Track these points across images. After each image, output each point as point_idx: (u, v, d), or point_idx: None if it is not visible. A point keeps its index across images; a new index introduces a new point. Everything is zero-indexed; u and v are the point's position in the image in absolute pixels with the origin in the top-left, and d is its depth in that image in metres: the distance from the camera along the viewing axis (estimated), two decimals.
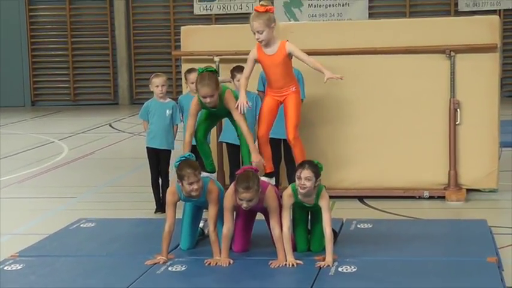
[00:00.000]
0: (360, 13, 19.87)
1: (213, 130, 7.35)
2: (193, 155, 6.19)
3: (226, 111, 6.61)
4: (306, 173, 5.90)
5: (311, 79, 8.08)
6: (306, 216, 6.25)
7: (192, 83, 7.96)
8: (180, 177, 5.94)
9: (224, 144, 8.24)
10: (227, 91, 6.55)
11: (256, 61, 6.82)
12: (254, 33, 6.65)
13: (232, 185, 6.01)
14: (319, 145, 8.38)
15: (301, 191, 5.94)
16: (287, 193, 6.03)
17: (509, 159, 10.32)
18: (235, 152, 7.86)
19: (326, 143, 8.50)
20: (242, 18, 19.15)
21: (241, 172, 5.96)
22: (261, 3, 6.78)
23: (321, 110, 8.50)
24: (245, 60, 7.79)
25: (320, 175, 5.97)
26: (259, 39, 6.64)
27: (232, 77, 7.78)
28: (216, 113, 6.72)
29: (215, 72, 6.55)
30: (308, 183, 5.89)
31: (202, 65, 6.70)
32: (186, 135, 6.61)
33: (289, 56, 6.74)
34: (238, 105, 6.50)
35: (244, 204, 5.87)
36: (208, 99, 6.45)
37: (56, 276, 5.76)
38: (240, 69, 7.79)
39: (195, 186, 5.92)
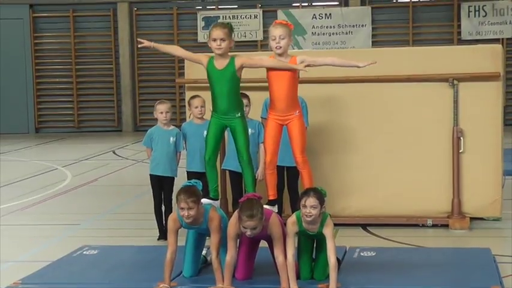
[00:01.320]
0: (363, 41, 19.96)
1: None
2: (200, 182, 6.20)
3: (232, 78, 6.56)
4: (311, 201, 5.88)
5: (315, 107, 8.12)
6: (312, 245, 6.23)
7: (196, 107, 8.00)
8: (176, 200, 5.99)
9: (227, 172, 8.23)
10: (238, 56, 6.58)
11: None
12: (274, 39, 6.59)
13: (235, 213, 6.00)
14: (322, 173, 8.37)
15: (307, 219, 5.92)
16: (291, 221, 6.02)
17: None
18: (238, 179, 7.86)
19: (329, 171, 8.50)
20: (246, 46, 19.34)
21: (244, 200, 5.95)
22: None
23: (325, 138, 8.50)
24: (248, 88, 7.83)
25: (324, 201, 5.96)
26: (279, 45, 6.58)
27: None
28: (220, 90, 6.58)
29: (230, 26, 6.59)
30: (314, 211, 5.88)
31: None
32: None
33: (299, 72, 6.67)
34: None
35: (248, 232, 5.86)
36: (218, 42, 6.44)
37: None
38: (243, 95, 7.79)
39: (185, 213, 5.91)
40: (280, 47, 6.61)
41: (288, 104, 6.69)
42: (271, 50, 6.70)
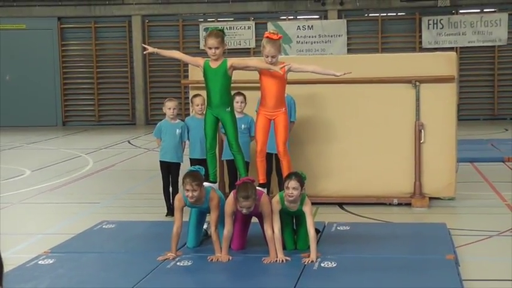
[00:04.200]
0: (340, 49, 19.94)
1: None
2: (203, 168, 6.17)
3: (224, 76, 6.44)
4: (293, 183, 5.88)
5: (302, 104, 8.13)
6: (292, 220, 6.23)
7: (197, 105, 7.97)
8: (182, 183, 5.97)
9: (224, 161, 8.21)
10: (229, 58, 6.51)
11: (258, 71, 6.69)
12: (267, 57, 6.46)
13: (232, 193, 5.98)
14: (306, 159, 8.37)
15: (289, 199, 5.91)
16: (275, 200, 6.01)
17: (465, 173, 10.33)
18: (233, 166, 7.83)
19: (312, 157, 8.50)
20: (240, 52, 19.36)
21: (240, 183, 5.92)
22: (271, 31, 6.73)
23: (309, 130, 8.49)
24: (242, 88, 7.79)
25: (304, 184, 5.95)
26: (271, 62, 6.48)
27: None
28: (213, 86, 6.46)
29: (223, 32, 6.52)
30: (295, 192, 5.88)
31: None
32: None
33: (286, 74, 6.59)
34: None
35: (244, 211, 5.85)
36: (213, 50, 6.38)
37: (82, 270, 5.75)
38: (239, 94, 7.76)
39: (190, 194, 5.88)
40: (272, 63, 6.51)
41: (277, 101, 6.64)
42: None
